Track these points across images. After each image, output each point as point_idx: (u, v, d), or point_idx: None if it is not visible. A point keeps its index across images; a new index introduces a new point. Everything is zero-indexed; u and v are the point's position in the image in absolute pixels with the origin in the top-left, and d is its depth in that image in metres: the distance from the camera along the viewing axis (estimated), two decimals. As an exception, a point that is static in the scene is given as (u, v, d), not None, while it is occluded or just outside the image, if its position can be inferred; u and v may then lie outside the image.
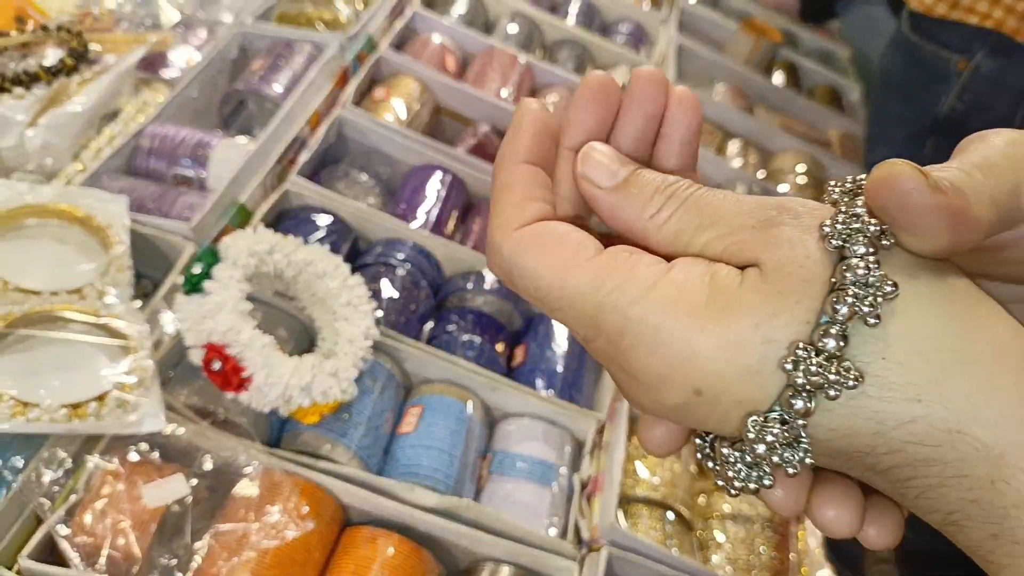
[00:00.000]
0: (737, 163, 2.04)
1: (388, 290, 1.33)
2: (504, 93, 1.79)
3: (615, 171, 0.35)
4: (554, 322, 1.41)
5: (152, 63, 1.55)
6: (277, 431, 1.13)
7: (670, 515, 1.21)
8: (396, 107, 1.66)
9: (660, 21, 2.34)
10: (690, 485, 1.25)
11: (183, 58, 1.60)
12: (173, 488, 0.94)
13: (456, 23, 1.97)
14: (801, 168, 2.04)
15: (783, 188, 1.98)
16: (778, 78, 2.43)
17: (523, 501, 1.16)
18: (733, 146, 2.10)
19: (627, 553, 1.11)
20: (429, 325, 1.38)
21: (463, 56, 1.94)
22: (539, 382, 1.30)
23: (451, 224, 1.53)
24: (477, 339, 1.33)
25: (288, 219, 1.38)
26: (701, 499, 1.29)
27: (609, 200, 0.35)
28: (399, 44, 1.84)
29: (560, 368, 1.33)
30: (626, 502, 1.21)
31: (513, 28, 2.05)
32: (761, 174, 2.04)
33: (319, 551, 1.02)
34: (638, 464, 1.23)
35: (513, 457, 1.20)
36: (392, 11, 1.92)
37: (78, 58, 1.36)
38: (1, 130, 1.24)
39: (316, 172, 1.52)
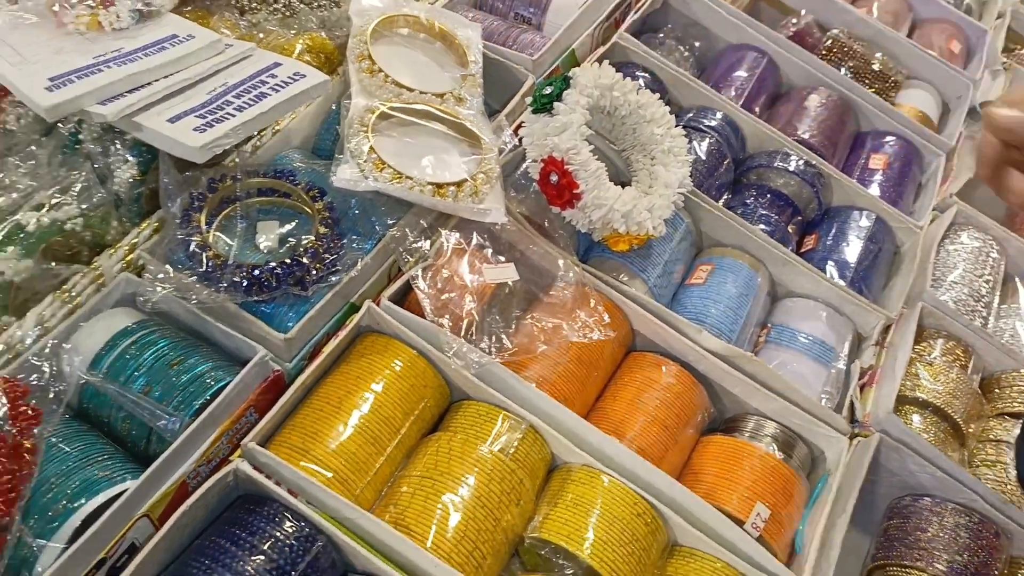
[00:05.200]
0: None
1: (695, 152, 1.37)
2: (834, -15, 1.72)
3: None
4: (852, 218, 1.39)
5: (504, -89, 1.64)
6: (583, 253, 1.23)
7: (943, 424, 1.19)
8: (722, -16, 1.66)
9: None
10: (971, 403, 1.21)
11: (529, -89, 1.68)
12: (506, 272, 1.06)
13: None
14: None
15: None
16: None
17: (798, 372, 1.19)
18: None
19: (899, 445, 1.11)
20: (725, 196, 1.41)
21: (793, -56, 1.87)
22: (830, 269, 1.30)
23: (760, 105, 1.52)
24: (773, 216, 1.35)
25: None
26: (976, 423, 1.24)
27: None
28: (730, -76, 1.81)
29: (853, 261, 1.31)
30: (899, 403, 1.20)
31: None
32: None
33: (609, 361, 1.12)
34: (920, 368, 1.21)
35: (794, 332, 1.23)
36: None
37: None
38: (386, -51, 1.39)
39: (637, 35, 1.56)
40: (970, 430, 1.20)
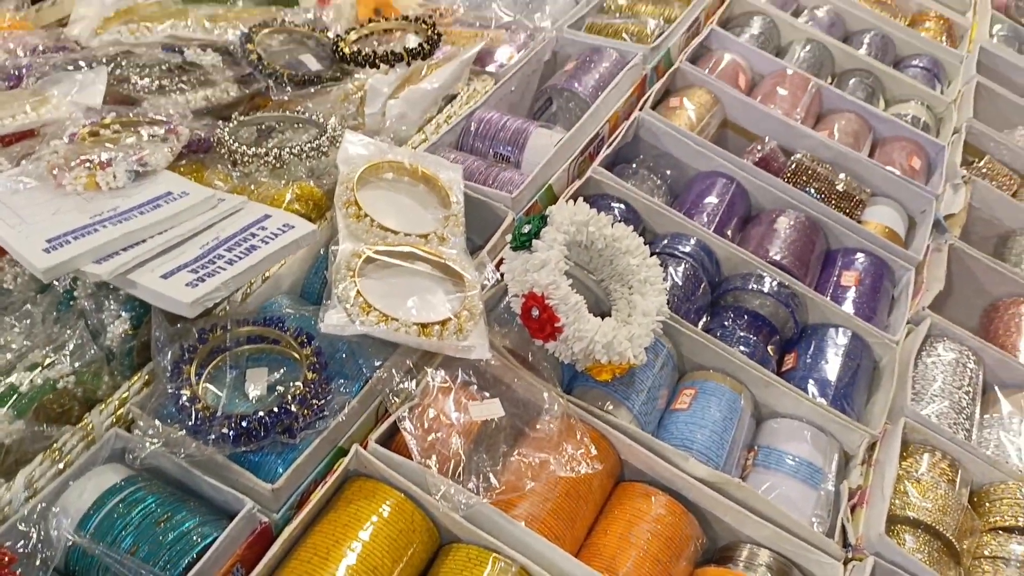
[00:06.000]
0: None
1: (671, 278, 1.41)
2: (796, 114, 1.82)
3: None
4: (829, 335, 1.42)
5: (481, 58, 1.76)
6: (568, 383, 1.25)
7: (936, 542, 1.18)
8: (688, 116, 1.75)
9: (959, 59, 2.25)
10: (961, 519, 1.21)
11: (505, 55, 1.80)
12: (492, 409, 1.08)
13: (749, 42, 2.03)
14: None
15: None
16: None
17: (788, 496, 1.19)
18: (1030, 193, 1.97)
19: (894, 568, 1.10)
20: (703, 319, 1.45)
21: (753, 76, 1.99)
22: (811, 388, 1.32)
23: (731, 229, 1.58)
24: (752, 337, 1.38)
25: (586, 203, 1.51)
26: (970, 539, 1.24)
27: None
28: (693, 60, 1.93)
29: (833, 378, 1.34)
30: (890, 522, 1.20)
31: (805, 53, 2.08)
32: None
33: (599, 493, 1.12)
34: (908, 486, 1.22)
35: (781, 454, 1.24)
36: (689, 29, 2.02)
37: (432, 45, 1.58)
38: (370, 98, 1.48)
39: (610, 167, 1.64)
40: (964, 546, 1.20)
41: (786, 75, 1.93)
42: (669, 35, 1.90)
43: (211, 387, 1.01)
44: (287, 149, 1.34)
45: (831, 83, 2.08)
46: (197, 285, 0.99)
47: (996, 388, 1.47)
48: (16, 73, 1.50)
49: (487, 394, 1.11)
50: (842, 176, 1.71)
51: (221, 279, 1.00)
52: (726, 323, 1.40)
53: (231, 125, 1.40)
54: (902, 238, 1.70)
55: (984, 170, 1.95)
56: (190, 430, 0.94)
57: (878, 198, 1.76)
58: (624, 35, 1.89)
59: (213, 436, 0.93)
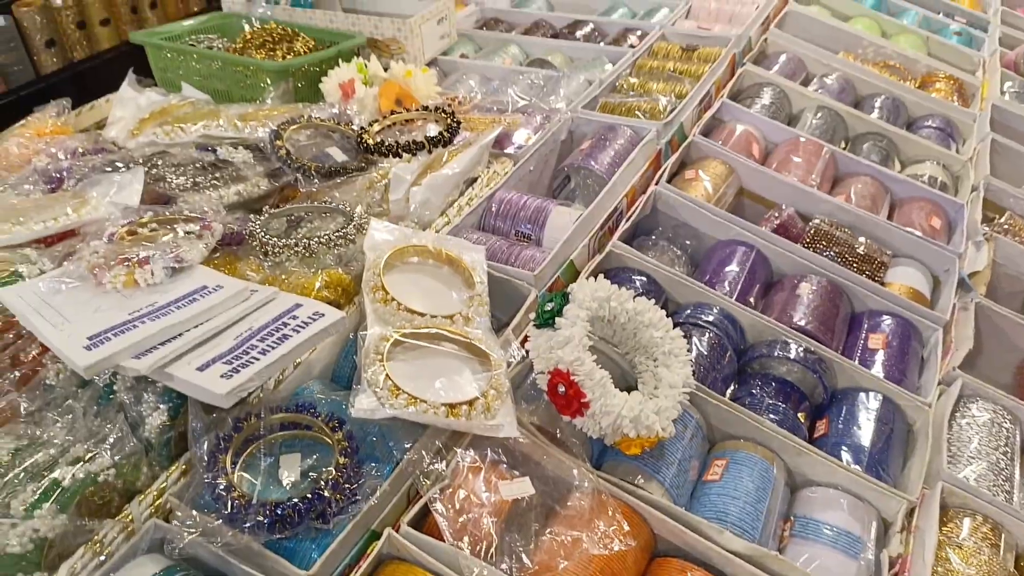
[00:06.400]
0: (1060, 265, 1.90)
1: (696, 348, 1.42)
2: (811, 180, 1.85)
3: None
4: (860, 400, 1.41)
5: (499, 141, 1.82)
6: (597, 457, 1.25)
7: (988, 613, 1.14)
8: (704, 187, 1.79)
9: (972, 118, 2.28)
10: (1010, 586, 1.18)
11: (522, 137, 1.86)
12: (522, 487, 1.08)
13: (760, 112, 2.08)
14: None
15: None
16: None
17: (827, 568, 1.16)
18: (1055, 247, 1.96)
19: (941, 639, 1.07)
20: (731, 388, 1.45)
21: (767, 144, 2.03)
22: (845, 455, 1.31)
23: (754, 296, 1.60)
24: (781, 405, 1.37)
25: (608, 278, 1.53)
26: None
27: None
28: (706, 133, 1.98)
29: (867, 444, 1.32)
30: (936, 591, 1.17)
31: (817, 120, 2.12)
32: (1090, 278, 1.88)
33: (634, 570, 1.11)
34: (950, 552, 1.19)
35: (819, 524, 1.22)
36: (701, 103, 2.08)
37: (452, 133, 1.65)
38: (394, 186, 1.54)
39: (630, 240, 1.67)
40: (1016, 616, 1.16)
41: (799, 142, 1.97)
42: (681, 110, 1.96)
43: (246, 475, 1.03)
44: (315, 238, 1.39)
45: (845, 148, 2.12)
46: (232, 376, 1.02)
47: (1036, 447, 1.44)
48: (58, 176, 1.58)
49: (517, 472, 1.12)
50: (862, 239, 1.72)
51: (255, 369, 1.03)
52: (754, 391, 1.40)
53: (262, 218, 1.45)
54: (927, 298, 1.70)
55: (1006, 226, 1.95)
56: (226, 519, 0.96)
57: (900, 259, 1.76)
58: (637, 112, 1.95)
59: (249, 524, 0.95)
